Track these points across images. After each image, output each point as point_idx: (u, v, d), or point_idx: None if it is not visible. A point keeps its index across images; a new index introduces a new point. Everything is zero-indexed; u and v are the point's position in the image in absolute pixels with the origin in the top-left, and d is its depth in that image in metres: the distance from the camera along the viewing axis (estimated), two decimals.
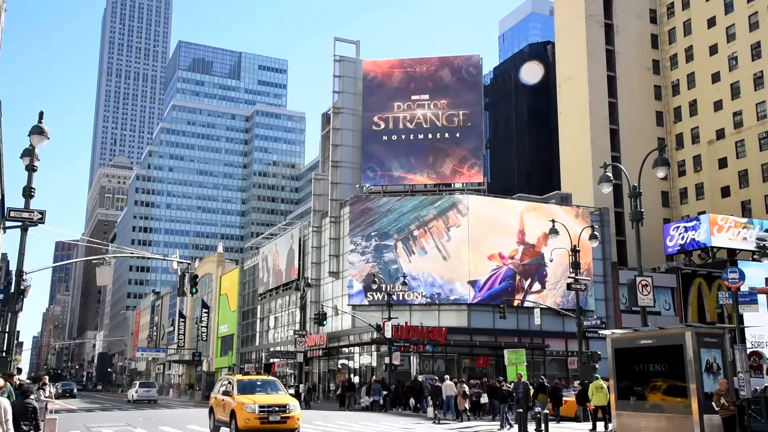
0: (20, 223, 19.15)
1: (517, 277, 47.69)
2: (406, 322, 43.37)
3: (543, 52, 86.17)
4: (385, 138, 55.57)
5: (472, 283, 46.72)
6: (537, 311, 38.60)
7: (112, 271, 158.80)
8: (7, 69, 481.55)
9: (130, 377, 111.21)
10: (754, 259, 46.40)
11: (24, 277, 20.23)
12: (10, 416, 10.89)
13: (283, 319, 64.44)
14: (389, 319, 40.58)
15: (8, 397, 13.70)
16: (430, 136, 55.05)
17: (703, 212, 56.90)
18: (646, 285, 20.81)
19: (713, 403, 15.62)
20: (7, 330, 20.67)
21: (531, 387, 27.02)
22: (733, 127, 61.95)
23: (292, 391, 37.97)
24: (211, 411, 22.28)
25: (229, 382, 21.51)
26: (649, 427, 17.12)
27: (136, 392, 55.96)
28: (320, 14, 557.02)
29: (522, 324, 47.11)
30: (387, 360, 40.78)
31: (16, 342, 25.17)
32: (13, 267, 48.78)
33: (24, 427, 12.26)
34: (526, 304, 44.45)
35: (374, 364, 48.58)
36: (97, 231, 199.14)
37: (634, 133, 64.37)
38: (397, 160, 55.08)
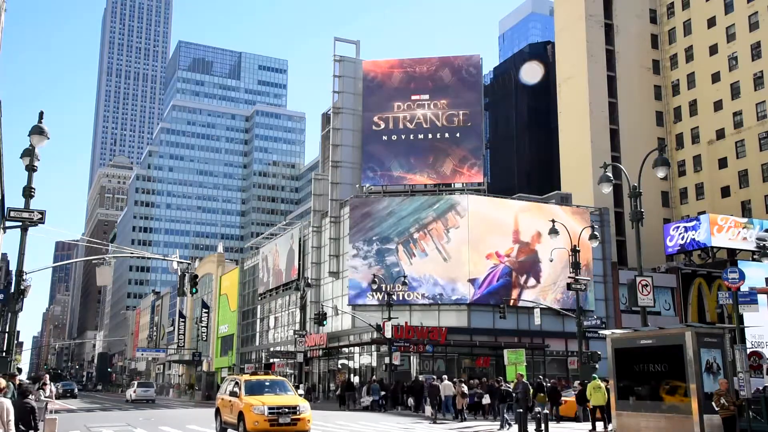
0: (20, 223, 19.15)
1: (514, 274, 47.77)
2: (406, 322, 43.38)
3: (543, 52, 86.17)
4: (385, 138, 55.57)
5: (472, 281, 46.77)
6: (537, 311, 38.59)
7: (112, 271, 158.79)
8: (7, 69, 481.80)
9: (130, 377, 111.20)
10: (754, 259, 46.40)
11: (24, 277, 20.22)
12: (12, 417, 10.88)
13: (283, 319, 64.44)
14: (389, 319, 40.59)
15: (11, 398, 13.74)
16: (430, 136, 55.04)
17: (703, 212, 56.90)
18: (646, 285, 20.80)
19: (713, 403, 15.62)
20: (7, 330, 20.66)
21: (531, 387, 27.01)
22: (733, 127, 61.95)
23: (301, 391, 37.80)
24: (218, 412, 21.63)
25: (236, 383, 20.81)
26: (649, 427, 17.12)
27: (135, 392, 56.53)
28: (320, 14, 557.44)
29: (522, 324, 47.12)
30: (387, 360, 40.79)
31: (16, 342, 25.16)
32: (13, 267, 48.79)
33: (22, 427, 12.26)
34: (525, 303, 44.38)
35: (374, 364, 48.58)
36: (97, 231, 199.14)
37: (634, 133, 64.37)
38: (397, 160, 55.07)
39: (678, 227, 53.82)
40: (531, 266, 48.33)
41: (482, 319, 46.98)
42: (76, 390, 75.09)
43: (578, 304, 32.58)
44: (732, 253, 51.07)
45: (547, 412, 24.47)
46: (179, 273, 27.94)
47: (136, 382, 63.59)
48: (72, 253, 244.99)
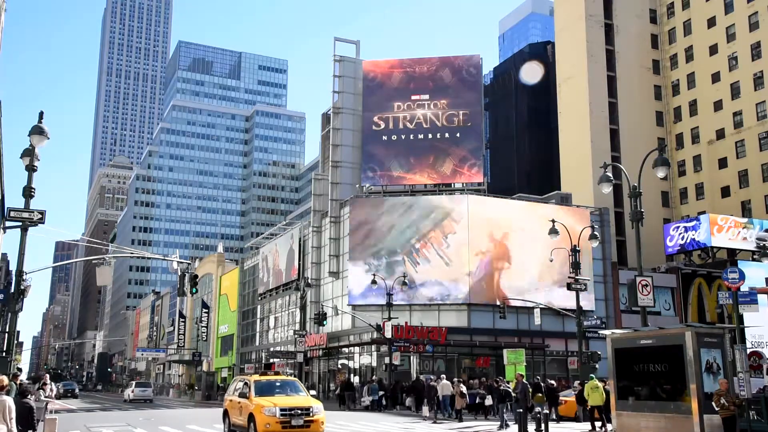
0: (20, 223, 19.14)
1: (493, 262, 47.92)
2: (406, 322, 43.37)
3: (543, 52, 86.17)
4: (385, 138, 55.56)
5: (471, 274, 46.87)
6: (537, 311, 38.57)
7: (112, 271, 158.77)
8: (7, 69, 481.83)
9: (130, 377, 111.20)
10: (754, 259, 46.39)
11: (24, 277, 20.21)
12: (14, 415, 11.07)
13: (283, 319, 64.43)
14: (389, 319, 40.59)
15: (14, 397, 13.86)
16: (430, 136, 55.03)
17: (703, 212, 56.90)
18: (646, 285, 20.80)
19: (713, 403, 15.61)
20: (7, 330, 20.65)
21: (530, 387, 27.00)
22: (733, 127, 61.95)
23: (314, 392, 37.45)
24: (226, 414, 20.90)
25: (246, 383, 20.10)
26: (649, 427, 17.11)
27: (132, 392, 57.76)
28: (320, 14, 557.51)
29: (522, 324, 47.12)
30: (387, 360, 40.78)
31: (16, 342, 25.17)
32: (13, 267, 48.77)
33: (20, 427, 12.33)
34: (527, 304, 44.30)
35: (374, 364, 48.57)
36: (97, 231, 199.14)
37: (634, 133, 64.38)
38: (397, 160, 55.06)
39: (678, 227, 53.82)
40: (504, 253, 48.40)
41: (482, 319, 46.98)
42: (77, 390, 75.14)
43: (578, 304, 32.54)
44: (732, 253, 51.06)
45: (548, 412, 24.45)
46: (179, 273, 27.92)
47: (134, 383, 64.62)
48: (72, 253, 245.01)
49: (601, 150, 62.28)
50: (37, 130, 18.85)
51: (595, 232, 30.59)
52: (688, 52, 66.95)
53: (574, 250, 31.22)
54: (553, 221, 31.79)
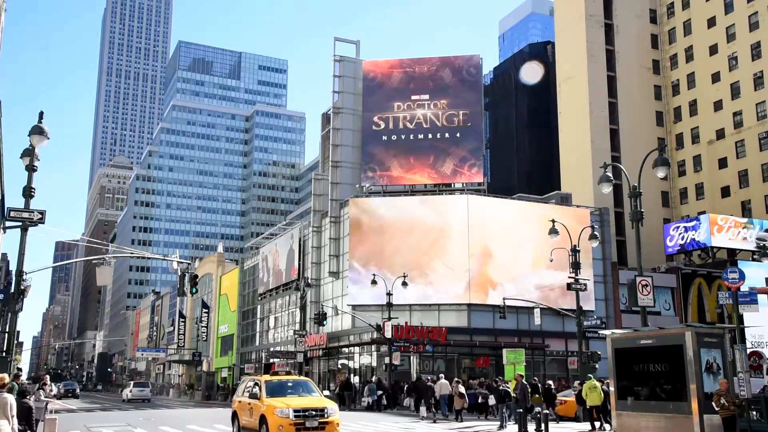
0: (20, 223, 19.14)
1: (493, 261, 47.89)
2: (406, 322, 43.36)
3: (543, 52, 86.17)
4: (385, 138, 55.56)
5: (469, 272, 46.87)
6: (537, 311, 38.54)
7: (112, 271, 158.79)
8: (7, 69, 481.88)
9: (130, 377, 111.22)
10: (754, 259, 46.39)
11: (24, 277, 20.22)
12: (15, 412, 11.27)
13: (283, 319, 64.43)
14: (389, 319, 40.58)
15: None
16: (430, 136, 55.02)
17: (703, 212, 56.89)
18: (646, 285, 20.81)
19: (713, 403, 15.62)
20: (7, 330, 20.67)
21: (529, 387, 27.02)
22: (733, 127, 61.95)
23: (327, 392, 36.81)
24: (235, 416, 20.26)
25: (256, 384, 19.38)
26: (649, 427, 17.12)
27: (130, 392, 58.99)
28: (320, 14, 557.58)
29: (522, 324, 47.11)
30: (387, 360, 40.78)
31: (16, 342, 25.18)
32: (13, 267, 48.77)
33: (20, 427, 12.43)
34: (525, 303, 44.28)
35: (374, 364, 48.57)
36: (97, 231, 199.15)
37: (634, 133, 64.37)
38: (397, 160, 55.05)
39: (678, 227, 53.81)
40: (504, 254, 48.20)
41: (482, 319, 46.97)
42: (78, 390, 75.24)
43: (578, 304, 32.54)
44: (732, 253, 51.06)
45: (548, 412, 24.46)
46: (179, 273, 27.92)
47: (132, 383, 65.68)
48: (72, 253, 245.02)
49: (601, 150, 62.28)
50: (37, 130, 18.86)
51: (595, 232, 30.60)
52: (688, 52, 66.95)
53: (574, 250, 31.22)
54: (553, 221, 31.79)
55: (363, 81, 56.98)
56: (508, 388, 26.67)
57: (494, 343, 45.97)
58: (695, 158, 65.17)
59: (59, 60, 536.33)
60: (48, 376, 34.87)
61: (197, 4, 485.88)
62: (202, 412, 40.11)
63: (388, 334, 39.84)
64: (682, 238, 52.69)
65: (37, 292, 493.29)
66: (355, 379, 47.19)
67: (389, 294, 41.48)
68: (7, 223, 20.29)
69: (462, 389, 29.53)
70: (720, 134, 63.01)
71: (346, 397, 40.62)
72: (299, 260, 60.18)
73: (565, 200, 54.53)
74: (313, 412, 17.37)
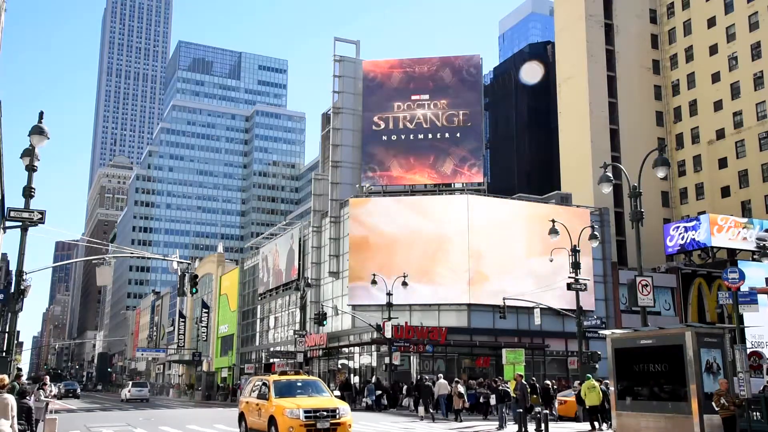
0: (20, 223, 19.15)
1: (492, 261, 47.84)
2: (406, 322, 43.36)
3: (543, 52, 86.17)
4: (385, 138, 55.56)
5: (468, 270, 46.85)
6: (537, 311, 38.52)
7: (112, 271, 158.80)
8: (7, 69, 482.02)
9: (130, 377, 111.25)
10: (754, 259, 46.39)
11: (24, 277, 20.23)
12: (15, 412, 11.33)
13: (283, 319, 64.43)
14: (389, 319, 40.58)
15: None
16: (430, 136, 55.02)
17: (703, 212, 56.88)
18: (646, 285, 20.81)
19: (713, 403, 15.62)
20: (7, 330, 20.68)
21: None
22: (733, 127, 61.94)
23: (338, 392, 36.40)
24: (242, 417, 19.83)
25: (264, 384, 18.91)
26: (649, 427, 17.12)
27: (129, 392, 59.96)
28: (320, 14, 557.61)
29: (522, 324, 47.10)
30: (387, 360, 40.78)
31: (16, 342, 25.19)
32: (13, 267, 48.77)
33: (20, 427, 12.48)
34: (526, 304, 44.30)
35: (374, 364, 48.57)
36: (97, 231, 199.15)
37: (634, 133, 64.37)
38: (397, 160, 55.05)
39: (678, 227, 53.81)
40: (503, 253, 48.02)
41: (482, 319, 46.97)
42: (78, 390, 75.31)
43: (578, 304, 32.54)
44: (732, 253, 51.05)
45: (548, 411, 24.47)
46: (179, 273, 27.92)
47: (130, 383, 66.54)
48: (72, 253, 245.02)
49: (601, 150, 62.28)
50: (37, 130, 18.86)
51: (595, 232, 30.60)
52: (688, 52, 66.95)
53: (574, 250, 31.22)
54: (553, 221, 31.80)
55: (363, 81, 56.98)
56: (508, 388, 26.68)
57: (494, 343, 45.97)
58: (695, 158, 65.16)
59: (59, 60, 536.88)
60: (48, 377, 34.84)
61: (197, 4, 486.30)
62: (202, 412, 40.12)
63: (388, 334, 39.84)
64: (682, 238, 52.69)
65: (37, 292, 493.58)
66: (355, 379, 47.17)
67: (389, 294, 41.48)
68: (7, 223, 20.30)
69: (461, 389, 29.55)
70: (720, 134, 63.01)
71: (346, 398, 40.56)
72: (299, 260, 60.18)
73: (565, 200, 54.53)
74: (325, 413, 16.86)
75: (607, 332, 19.74)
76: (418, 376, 40.78)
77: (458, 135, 54.71)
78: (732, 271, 24.06)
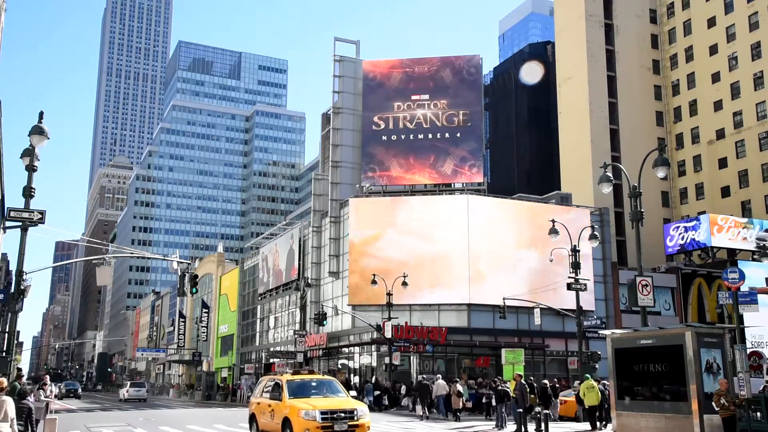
0: (20, 223, 19.15)
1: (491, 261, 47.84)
2: (406, 322, 43.36)
3: (543, 52, 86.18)
4: (385, 138, 55.55)
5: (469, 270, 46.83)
6: (537, 311, 38.54)
7: (112, 271, 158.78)
8: (7, 69, 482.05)
9: (130, 377, 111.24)
10: (754, 259, 46.39)
11: (24, 277, 20.23)
12: (14, 414, 11.27)
13: (283, 319, 64.42)
14: (389, 319, 40.57)
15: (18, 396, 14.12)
16: (430, 136, 55.01)
17: (703, 212, 56.89)
18: (646, 285, 20.81)
19: (713, 403, 15.62)
20: (7, 330, 20.68)
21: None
22: (733, 127, 61.94)
23: (354, 392, 35.80)
24: (253, 418, 19.13)
25: (277, 383, 18.22)
26: (649, 427, 17.12)
27: (127, 392, 60.83)
28: (320, 14, 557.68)
29: (522, 324, 47.10)
30: (387, 360, 40.78)
31: (16, 342, 25.19)
32: (13, 267, 48.80)
33: (19, 428, 12.49)
34: (526, 304, 44.32)
35: (374, 364, 48.57)
36: (97, 231, 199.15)
37: (634, 133, 64.39)
38: (396, 160, 55.03)
39: (678, 227, 53.82)
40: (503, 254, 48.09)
41: (482, 319, 46.95)
42: (79, 390, 75.33)
43: (578, 304, 32.53)
44: (732, 253, 51.06)
45: (548, 411, 24.46)
46: (179, 273, 27.92)
47: (128, 383, 67.17)
48: (72, 253, 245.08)
49: (601, 150, 62.29)
50: (37, 130, 18.86)
51: (595, 232, 30.60)
52: (688, 52, 66.95)
53: (574, 250, 31.21)
54: (553, 221, 31.81)
55: (363, 81, 56.97)
56: (507, 388, 26.68)
57: (494, 343, 45.95)
58: (695, 158, 65.17)
59: (59, 60, 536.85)
60: (48, 377, 34.84)
61: (197, 4, 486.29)
62: (202, 412, 40.12)
63: (388, 334, 39.83)
64: (682, 238, 52.69)
65: (37, 292, 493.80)
66: (355, 379, 47.17)
67: (389, 294, 41.48)
68: (7, 223, 20.30)
69: (460, 388, 29.56)
70: (720, 134, 63.02)
71: None
72: (299, 260, 60.17)
73: (565, 200, 54.52)
74: (342, 414, 16.18)
75: (607, 332, 19.75)
76: (419, 377, 40.76)
77: (458, 135, 54.71)
78: (732, 271, 24.07)
